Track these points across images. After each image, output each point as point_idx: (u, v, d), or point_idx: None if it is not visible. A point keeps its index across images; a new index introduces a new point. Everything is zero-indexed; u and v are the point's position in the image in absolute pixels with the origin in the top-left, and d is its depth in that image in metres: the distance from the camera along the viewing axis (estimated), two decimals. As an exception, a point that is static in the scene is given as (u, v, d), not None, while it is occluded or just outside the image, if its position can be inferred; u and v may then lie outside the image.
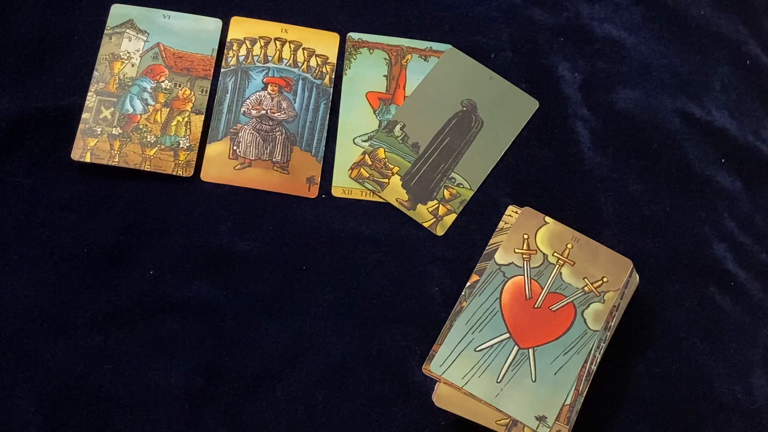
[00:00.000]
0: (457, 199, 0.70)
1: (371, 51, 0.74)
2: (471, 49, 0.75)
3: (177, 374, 0.62)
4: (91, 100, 0.69)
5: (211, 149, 0.69)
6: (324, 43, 0.74)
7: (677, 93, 0.76)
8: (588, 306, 0.62)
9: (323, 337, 0.64)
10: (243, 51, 0.73)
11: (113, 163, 0.67)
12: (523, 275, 0.63)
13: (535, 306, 0.62)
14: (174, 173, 0.68)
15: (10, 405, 0.59)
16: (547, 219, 0.66)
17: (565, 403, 0.59)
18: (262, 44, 0.73)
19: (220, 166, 0.69)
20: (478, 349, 0.61)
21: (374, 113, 0.72)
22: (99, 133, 0.68)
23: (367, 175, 0.70)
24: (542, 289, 0.63)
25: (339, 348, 0.64)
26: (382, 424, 0.62)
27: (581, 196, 0.71)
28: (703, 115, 0.75)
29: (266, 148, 0.70)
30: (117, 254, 0.65)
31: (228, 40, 0.73)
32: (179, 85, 0.71)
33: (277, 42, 0.74)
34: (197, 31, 0.73)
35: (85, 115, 0.69)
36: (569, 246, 0.64)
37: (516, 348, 0.61)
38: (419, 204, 0.69)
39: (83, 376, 0.61)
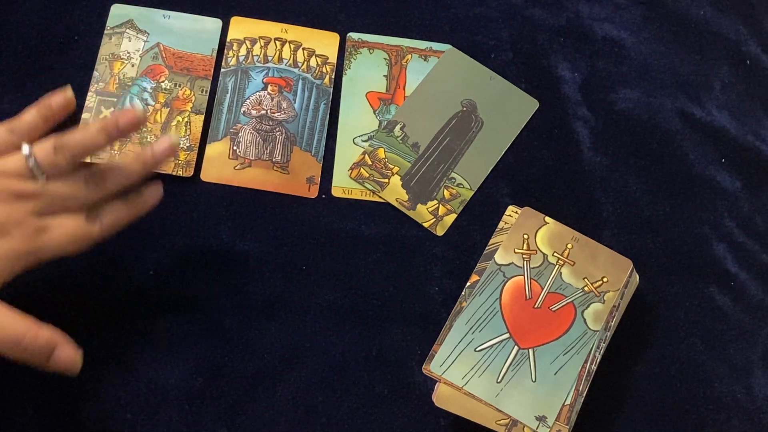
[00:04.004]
0: (457, 199, 0.70)
1: (371, 51, 0.74)
2: (471, 49, 0.75)
3: (177, 374, 0.62)
4: (91, 100, 0.69)
5: (211, 149, 0.69)
6: (324, 43, 0.74)
7: (677, 93, 0.76)
8: (588, 306, 0.62)
9: (323, 337, 0.64)
10: (243, 51, 0.73)
11: (113, 163, 0.67)
12: (523, 275, 0.63)
13: (535, 306, 0.62)
14: (174, 173, 0.68)
15: (10, 405, 0.59)
16: (547, 219, 0.66)
17: (565, 403, 0.59)
18: (262, 44, 0.73)
19: (220, 166, 0.69)
20: (478, 349, 0.61)
21: (374, 113, 0.72)
22: (99, 133, 0.68)
23: (367, 175, 0.70)
24: (542, 289, 0.63)
25: (339, 348, 0.64)
26: (382, 424, 0.62)
27: (581, 196, 0.71)
28: (703, 115, 0.75)
29: (266, 148, 0.70)
30: (117, 254, 0.65)
31: (228, 40, 0.73)
32: (179, 85, 0.71)
33: (277, 42, 0.74)
34: (197, 31, 0.73)
35: (85, 115, 0.69)
36: (569, 246, 0.64)
37: (516, 348, 0.61)
38: (419, 204, 0.69)
39: (83, 376, 0.61)
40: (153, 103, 0.70)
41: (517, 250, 0.64)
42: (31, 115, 0.59)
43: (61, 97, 0.60)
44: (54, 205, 0.57)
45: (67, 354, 0.54)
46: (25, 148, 0.57)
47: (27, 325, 0.54)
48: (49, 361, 0.54)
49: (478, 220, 0.69)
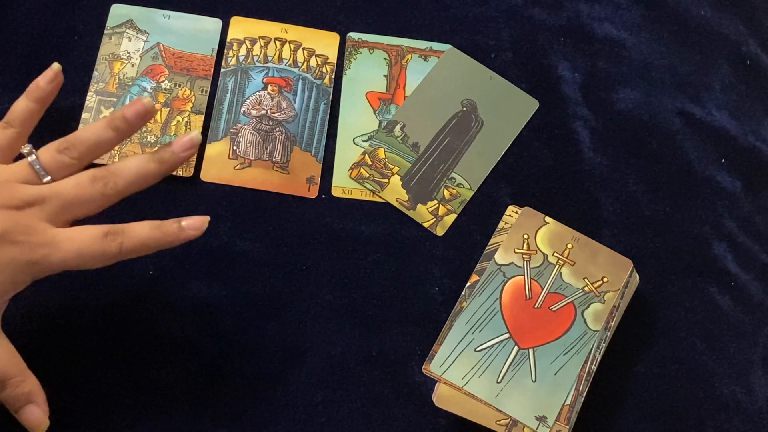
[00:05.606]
0: (457, 199, 0.70)
1: (371, 51, 0.74)
2: (471, 49, 0.75)
3: (177, 374, 0.62)
4: (91, 100, 0.69)
5: (211, 149, 0.69)
6: (324, 43, 0.74)
7: (677, 93, 0.76)
8: (588, 306, 0.62)
9: (323, 337, 0.64)
10: (243, 51, 0.73)
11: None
12: (523, 275, 0.63)
13: (535, 306, 0.62)
14: (174, 173, 0.68)
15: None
16: (547, 219, 0.66)
17: (565, 403, 0.59)
18: (262, 44, 0.73)
19: (220, 166, 0.69)
20: (478, 349, 0.61)
21: (374, 113, 0.72)
22: (99, 133, 0.68)
23: (367, 175, 0.70)
24: (542, 289, 0.63)
25: (339, 348, 0.64)
26: (382, 424, 0.62)
27: (581, 196, 0.71)
28: (703, 115, 0.75)
29: (266, 148, 0.70)
30: (117, 254, 0.65)
31: (228, 40, 0.73)
32: (179, 85, 0.71)
33: (277, 42, 0.74)
34: (197, 31, 0.73)
35: (85, 115, 0.69)
36: (569, 246, 0.64)
37: (516, 348, 0.61)
38: (419, 204, 0.69)
39: (83, 376, 0.61)
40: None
41: (517, 250, 0.64)
42: (22, 103, 0.57)
43: (49, 73, 0.58)
44: (64, 210, 0.53)
45: (37, 416, 0.53)
46: (26, 148, 0.55)
47: (19, 368, 0.52)
48: (18, 412, 0.53)
49: (478, 220, 0.69)
